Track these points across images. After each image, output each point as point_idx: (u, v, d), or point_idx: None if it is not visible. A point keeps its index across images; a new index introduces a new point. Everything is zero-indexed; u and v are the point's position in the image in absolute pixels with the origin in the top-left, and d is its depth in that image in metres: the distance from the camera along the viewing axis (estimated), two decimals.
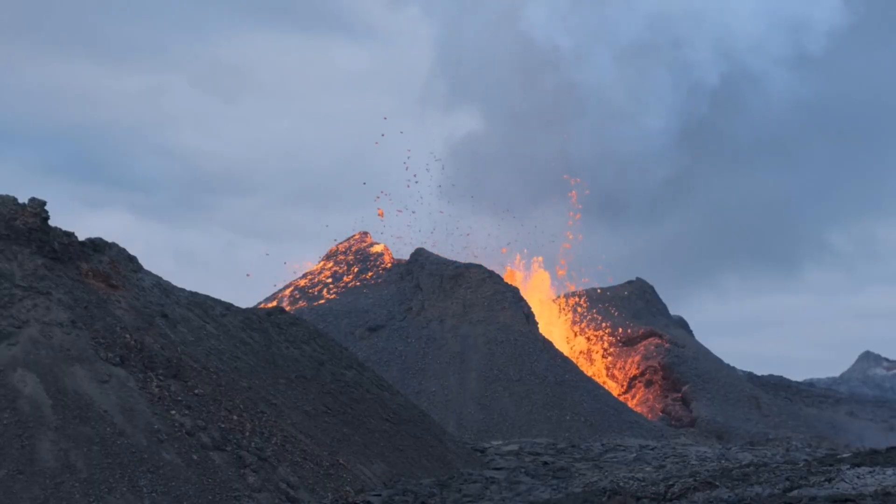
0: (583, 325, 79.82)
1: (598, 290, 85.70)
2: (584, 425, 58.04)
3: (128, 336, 32.26)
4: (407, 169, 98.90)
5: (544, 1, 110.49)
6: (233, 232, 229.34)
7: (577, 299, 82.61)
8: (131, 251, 38.81)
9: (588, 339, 78.74)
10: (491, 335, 64.49)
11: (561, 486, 34.68)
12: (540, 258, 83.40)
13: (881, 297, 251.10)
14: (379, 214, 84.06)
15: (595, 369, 75.67)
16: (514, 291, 69.36)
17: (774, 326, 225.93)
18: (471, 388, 60.38)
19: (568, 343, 77.36)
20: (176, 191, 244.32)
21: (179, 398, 31.06)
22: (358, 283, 75.66)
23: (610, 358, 77.13)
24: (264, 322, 41.65)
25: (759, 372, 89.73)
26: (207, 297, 41.08)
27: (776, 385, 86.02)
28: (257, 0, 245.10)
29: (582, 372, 66.86)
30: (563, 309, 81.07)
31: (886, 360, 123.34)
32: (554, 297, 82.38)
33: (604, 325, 79.99)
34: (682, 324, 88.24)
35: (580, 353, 76.94)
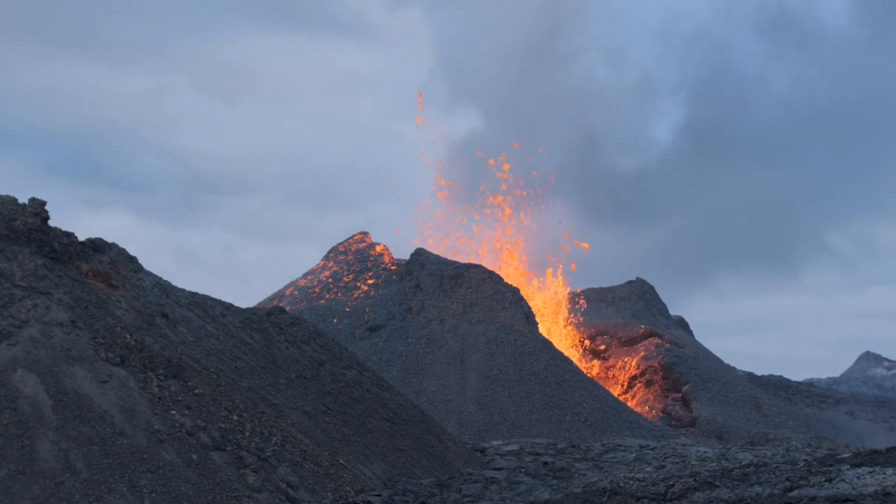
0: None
1: (598, 290, 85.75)
2: (584, 425, 58.04)
3: (128, 336, 32.26)
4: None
5: (544, 0, 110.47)
6: (233, 232, 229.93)
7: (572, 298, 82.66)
8: (131, 251, 38.86)
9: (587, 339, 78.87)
10: (491, 335, 64.49)
11: (561, 486, 34.67)
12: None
13: (881, 297, 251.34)
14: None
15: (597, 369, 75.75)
16: (514, 291, 69.38)
17: (774, 326, 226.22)
18: (471, 388, 60.37)
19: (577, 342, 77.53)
20: (176, 191, 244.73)
21: (179, 398, 31.06)
22: (358, 283, 75.68)
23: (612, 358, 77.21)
24: (264, 322, 41.65)
25: (759, 372, 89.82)
26: (207, 297, 41.08)
27: (776, 385, 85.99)
28: (258, 1, 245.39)
29: (582, 372, 66.89)
30: (566, 309, 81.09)
31: (886, 360, 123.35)
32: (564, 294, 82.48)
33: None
34: (682, 324, 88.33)
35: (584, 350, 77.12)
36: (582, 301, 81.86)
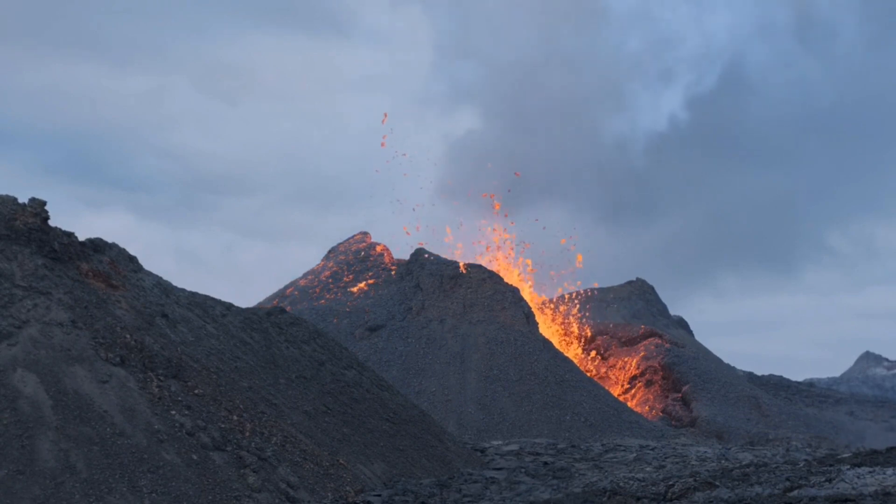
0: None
1: (598, 290, 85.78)
2: (584, 425, 58.04)
3: (128, 336, 32.25)
4: (405, 175, 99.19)
5: (543, 1, 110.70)
6: (233, 232, 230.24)
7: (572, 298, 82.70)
8: (131, 251, 38.86)
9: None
10: (491, 335, 64.49)
11: (561, 486, 34.67)
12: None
13: (881, 297, 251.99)
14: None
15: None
16: (514, 291, 69.40)
17: (774, 326, 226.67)
18: (471, 388, 60.37)
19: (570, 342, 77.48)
20: (176, 191, 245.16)
21: (179, 398, 31.05)
22: (358, 283, 75.68)
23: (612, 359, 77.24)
24: (264, 322, 41.65)
25: (759, 372, 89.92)
26: (207, 297, 41.08)
27: (776, 385, 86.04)
28: (259, 1, 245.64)
29: (582, 372, 66.87)
30: (560, 310, 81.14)
31: (886, 360, 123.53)
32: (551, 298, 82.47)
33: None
34: (682, 324, 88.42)
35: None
36: (575, 310, 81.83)
